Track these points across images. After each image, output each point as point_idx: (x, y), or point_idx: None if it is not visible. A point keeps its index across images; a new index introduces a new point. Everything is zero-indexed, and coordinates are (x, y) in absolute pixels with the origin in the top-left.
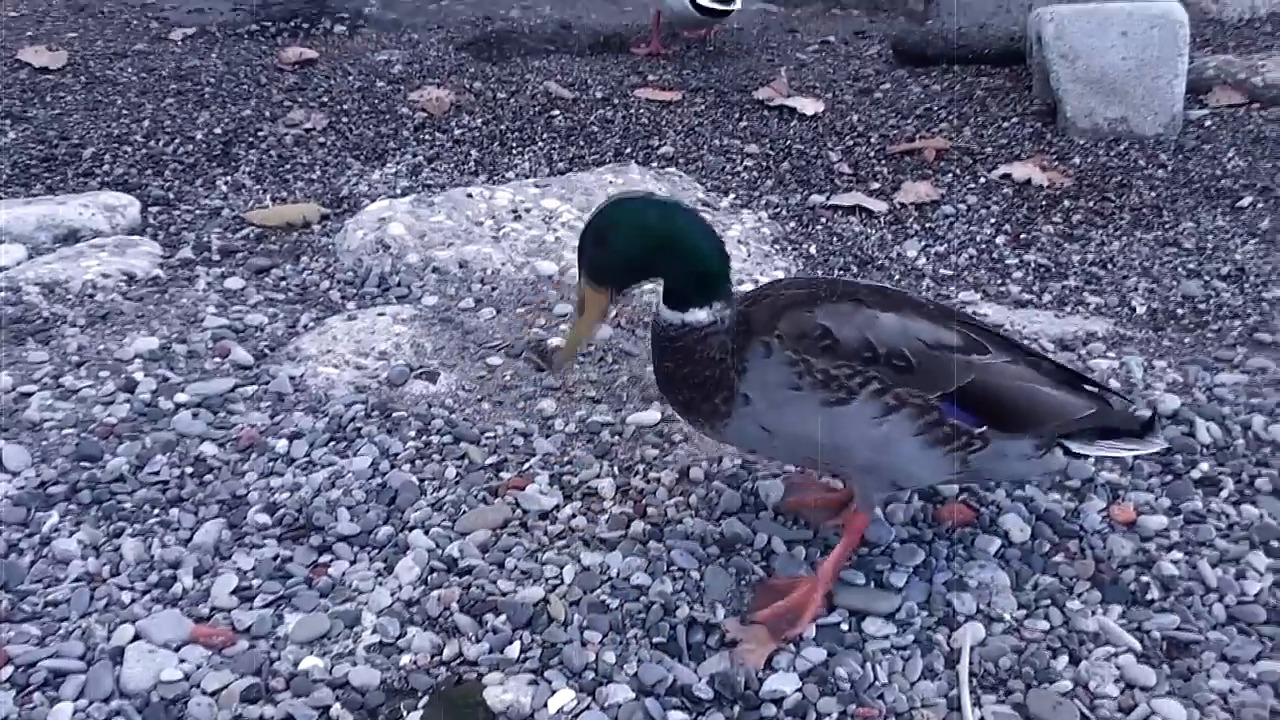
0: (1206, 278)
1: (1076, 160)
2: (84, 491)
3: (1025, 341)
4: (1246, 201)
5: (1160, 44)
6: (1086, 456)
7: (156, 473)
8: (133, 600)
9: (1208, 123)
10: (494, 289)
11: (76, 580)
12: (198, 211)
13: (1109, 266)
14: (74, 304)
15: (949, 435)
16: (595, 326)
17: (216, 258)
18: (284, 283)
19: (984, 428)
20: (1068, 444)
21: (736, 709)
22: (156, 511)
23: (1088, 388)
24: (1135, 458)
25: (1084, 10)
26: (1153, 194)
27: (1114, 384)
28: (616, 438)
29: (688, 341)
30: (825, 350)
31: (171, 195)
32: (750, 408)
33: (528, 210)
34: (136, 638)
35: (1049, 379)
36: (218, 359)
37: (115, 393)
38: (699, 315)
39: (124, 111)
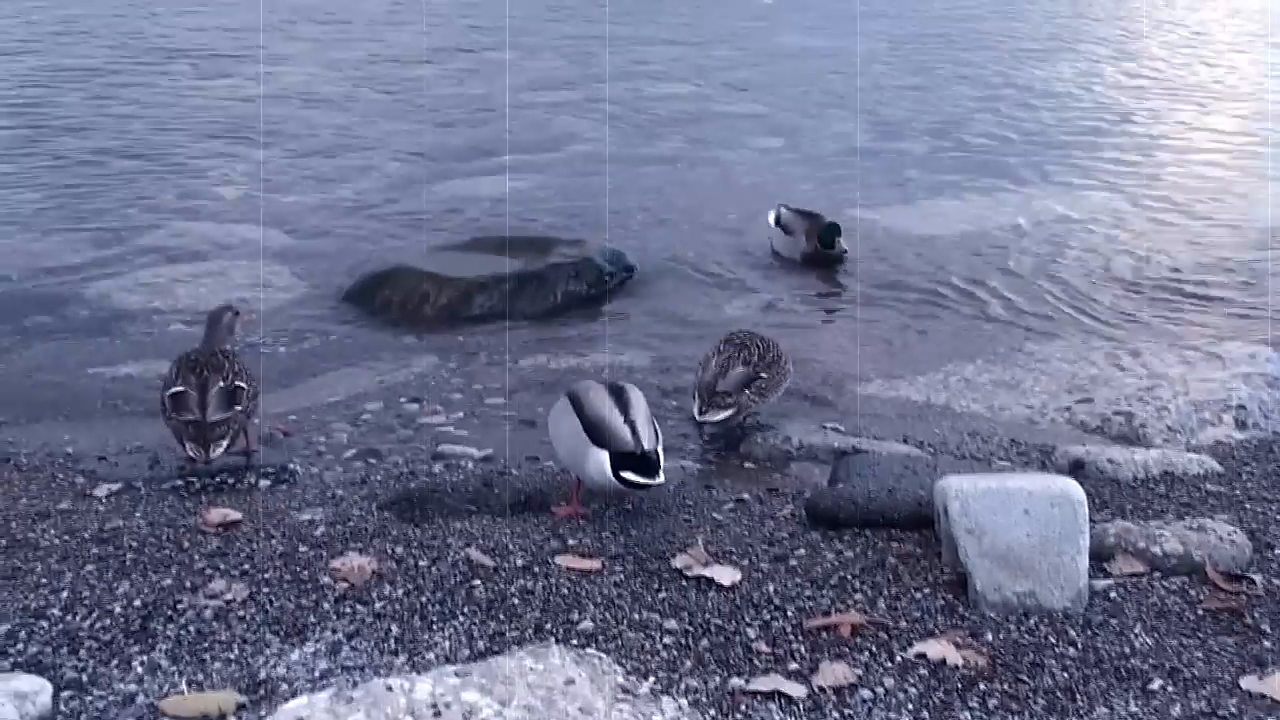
0: None
1: (989, 636)
2: None
3: None
4: (1156, 685)
5: (1061, 521)
6: None
7: None
8: None
9: (1113, 594)
10: None
11: None
12: (111, 698)
13: None
14: None
15: None
16: None
17: None
18: None
19: None
20: None
21: None
22: None
23: None
24: None
25: (988, 488)
26: (1065, 675)
27: None
28: None
29: None
30: None
31: (85, 678)
32: None
33: (447, 705)
34: None
35: None
36: None
37: None
38: None
39: (43, 580)
